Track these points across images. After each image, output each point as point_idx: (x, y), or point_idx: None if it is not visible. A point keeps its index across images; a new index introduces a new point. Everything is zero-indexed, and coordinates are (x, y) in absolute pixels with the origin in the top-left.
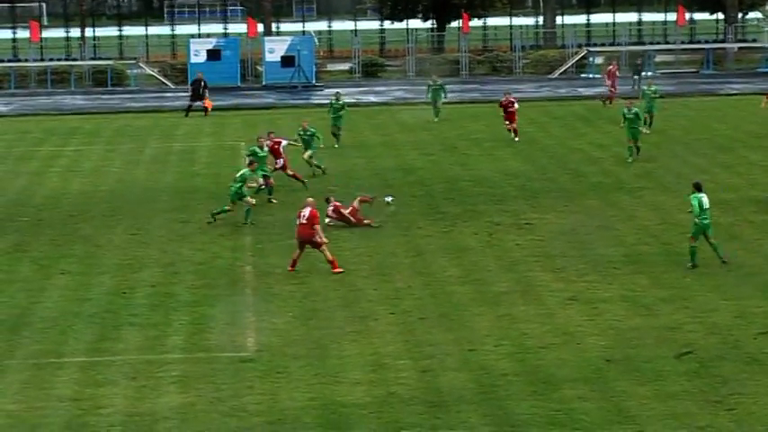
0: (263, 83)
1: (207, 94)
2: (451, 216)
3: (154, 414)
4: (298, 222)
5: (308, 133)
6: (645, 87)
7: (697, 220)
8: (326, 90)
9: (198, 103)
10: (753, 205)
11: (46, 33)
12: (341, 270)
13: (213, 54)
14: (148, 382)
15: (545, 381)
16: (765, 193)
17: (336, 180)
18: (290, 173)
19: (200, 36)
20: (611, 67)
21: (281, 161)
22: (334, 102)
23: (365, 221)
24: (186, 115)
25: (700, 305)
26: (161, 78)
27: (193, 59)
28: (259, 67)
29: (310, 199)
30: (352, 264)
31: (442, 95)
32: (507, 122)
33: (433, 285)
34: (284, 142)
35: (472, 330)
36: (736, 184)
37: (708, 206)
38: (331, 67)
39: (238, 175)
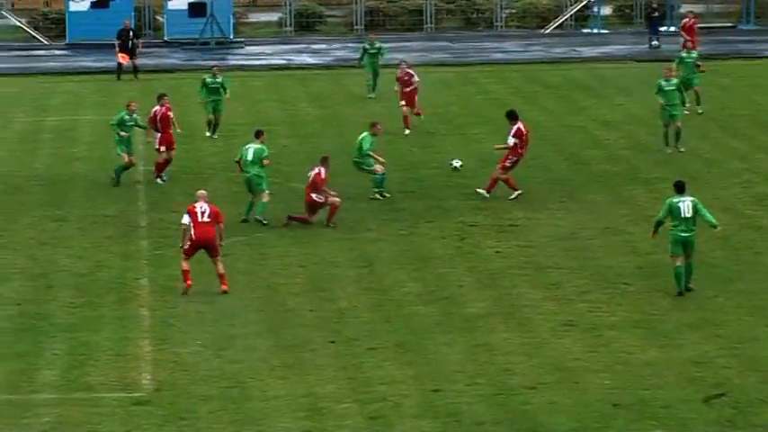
0: (165, 38)
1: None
2: (411, 214)
3: None
4: (194, 222)
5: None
6: (684, 53)
7: (673, 230)
8: (248, 48)
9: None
10: None
11: None
12: (227, 288)
13: (100, 1)
14: (11, 430)
15: (533, 431)
16: None
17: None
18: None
19: None
20: (687, 20)
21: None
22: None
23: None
24: (118, 78)
25: (734, 333)
26: (30, 31)
27: (73, 7)
28: (159, 18)
29: (202, 191)
30: (281, 277)
31: (379, 61)
32: (404, 104)
33: (386, 305)
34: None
35: (438, 364)
36: None
37: (691, 214)
38: (254, 17)
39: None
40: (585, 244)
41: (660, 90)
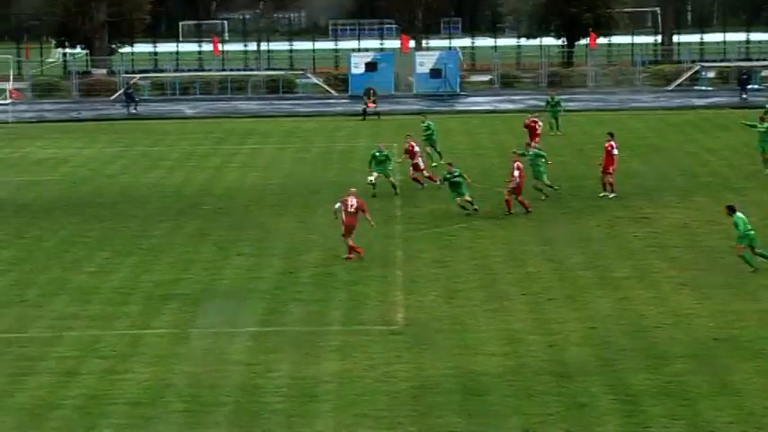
0: (414, 92)
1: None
2: (577, 210)
3: (315, 378)
4: (345, 211)
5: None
6: None
7: (745, 232)
8: (469, 98)
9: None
10: None
11: (227, 47)
12: (353, 258)
13: (371, 66)
14: (311, 350)
15: (658, 356)
16: None
17: (478, 177)
18: (426, 174)
19: (359, 50)
20: None
21: (418, 161)
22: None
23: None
24: (363, 119)
25: None
26: (325, 87)
27: (354, 71)
28: (410, 78)
29: (353, 189)
30: (489, 250)
31: (560, 110)
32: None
33: (560, 270)
34: (416, 147)
35: (594, 310)
36: None
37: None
38: (473, 78)
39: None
40: (694, 231)
41: (756, 128)
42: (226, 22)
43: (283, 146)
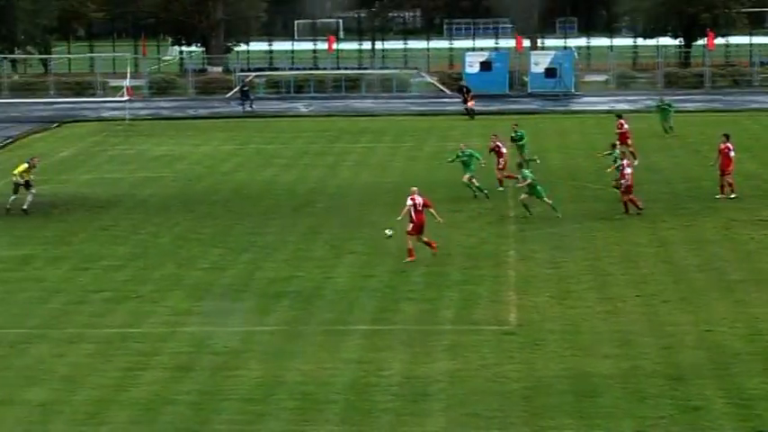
0: (528, 91)
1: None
2: (692, 212)
3: (427, 377)
4: (414, 210)
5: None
6: None
7: None
8: (583, 98)
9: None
10: None
11: (341, 46)
12: (435, 251)
13: (485, 65)
14: (422, 349)
15: None
16: None
17: (592, 177)
18: (506, 174)
19: (474, 50)
20: None
21: (502, 161)
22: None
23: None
24: (472, 118)
25: None
26: (439, 86)
27: (468, 70)
28: (525, 78)
29: (415, 188)
30: (603, 251)
31: (671, 115)
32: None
33: (674, 272)
34: (503, 147)
35: (709, 313)
36: None
37: None
38: (588, 78)
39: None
40: None
41: None
42: (341, 20)
43: (396, 145)
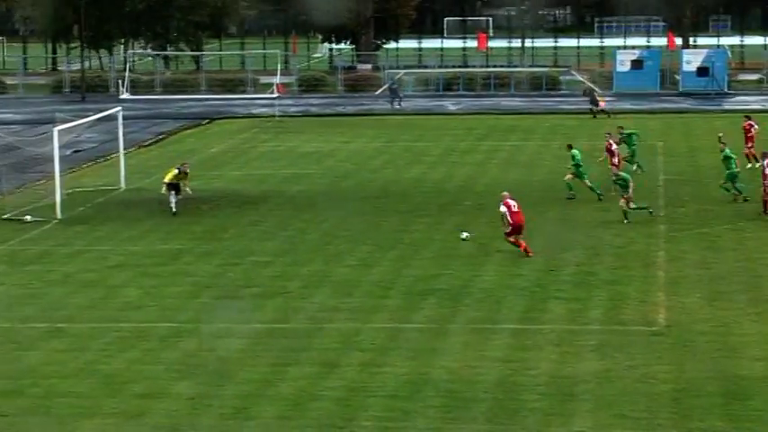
0: (680, 90)
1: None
2: None
3: (574, 377)
4: (510, 212)
5: (626, 132)
6: None
7: None
8: (737, 97)
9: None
10: None
11: (491, 43)
12: (532, 254)
13: (636, 64)
14: (570, 348)
15: None
16: None
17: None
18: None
19: (625, 48)
20: None
21: (616, 160)
22: None
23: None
24: (594, 117)
25: None
26: (588, 83)
27: (619, 68)
28: (677, 76)
29: (506, 192)
30: (755, 252)
31: None
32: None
33: None
34: (614, 146)
35: None
36: None
37: None
38: (742, 77)
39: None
40: None
41: None
42: (491, 18)
43: (546, 143)
